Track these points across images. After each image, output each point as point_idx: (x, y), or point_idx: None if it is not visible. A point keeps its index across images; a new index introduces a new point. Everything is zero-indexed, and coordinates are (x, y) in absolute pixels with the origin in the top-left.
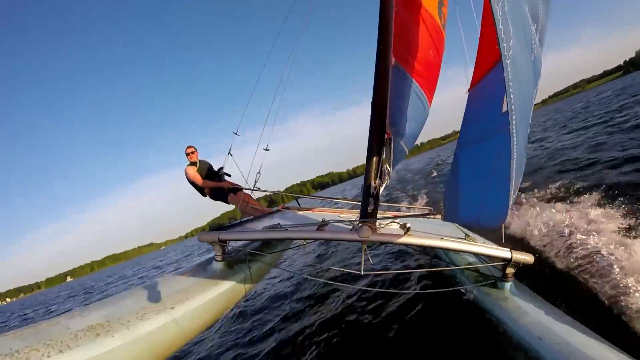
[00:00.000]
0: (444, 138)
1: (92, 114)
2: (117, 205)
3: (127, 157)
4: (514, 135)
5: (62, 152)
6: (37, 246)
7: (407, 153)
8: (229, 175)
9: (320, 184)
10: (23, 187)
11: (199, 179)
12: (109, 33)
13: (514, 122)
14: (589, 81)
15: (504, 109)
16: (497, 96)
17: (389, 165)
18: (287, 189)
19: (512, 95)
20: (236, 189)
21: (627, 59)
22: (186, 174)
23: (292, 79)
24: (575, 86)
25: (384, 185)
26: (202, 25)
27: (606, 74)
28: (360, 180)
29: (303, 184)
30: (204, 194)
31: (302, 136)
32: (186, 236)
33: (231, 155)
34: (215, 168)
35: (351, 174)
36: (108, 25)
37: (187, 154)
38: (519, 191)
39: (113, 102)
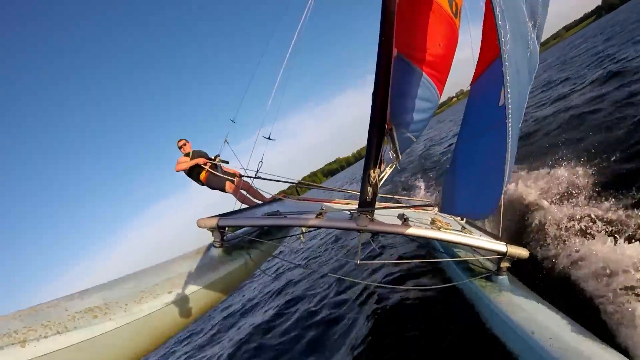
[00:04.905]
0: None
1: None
2: (124, 241)
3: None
4: (509, 128)
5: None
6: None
7: (414, 141)
8: (227, 162)
9: (330, 170)
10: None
11: (183, 164)
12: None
13: (509, 115)
14: (567, 28)
15: (501, 103)
16: (495, 90)
17: (395, 152)
18: (299, 180)
19: (509, 90)
20: (232, 176)
21: (600, 4)
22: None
23: (294, 67)
24: (555, 36)
25: (390, 170)
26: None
27: (586, 17)
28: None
29: (314, 174)
30: (201, 183)
31: (300, 134)
32: None
33: (227, 142)
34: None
35: (357, 157)
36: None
37: (180, 147)
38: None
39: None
